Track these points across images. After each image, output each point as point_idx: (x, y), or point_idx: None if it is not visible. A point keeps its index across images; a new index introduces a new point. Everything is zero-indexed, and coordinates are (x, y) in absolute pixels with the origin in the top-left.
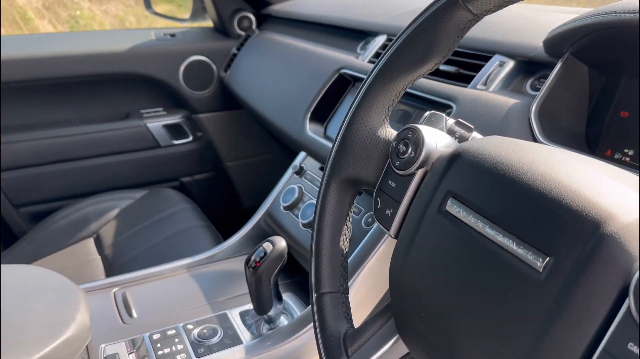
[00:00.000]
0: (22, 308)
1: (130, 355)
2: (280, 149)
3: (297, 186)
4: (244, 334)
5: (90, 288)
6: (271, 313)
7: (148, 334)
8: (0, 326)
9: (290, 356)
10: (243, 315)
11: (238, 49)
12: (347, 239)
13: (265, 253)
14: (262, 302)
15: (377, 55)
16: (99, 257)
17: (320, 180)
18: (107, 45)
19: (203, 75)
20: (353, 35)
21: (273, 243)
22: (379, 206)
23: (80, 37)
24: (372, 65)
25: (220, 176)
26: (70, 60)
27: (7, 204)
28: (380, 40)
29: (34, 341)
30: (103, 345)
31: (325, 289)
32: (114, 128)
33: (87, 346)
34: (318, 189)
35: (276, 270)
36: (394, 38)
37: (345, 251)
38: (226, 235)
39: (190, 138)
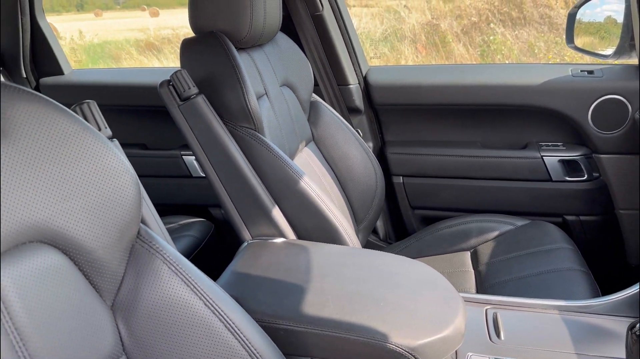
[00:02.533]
0: (413, 297)
1: None
2: None
3: None
4: None
5: (466, 298)
6: None
7: None
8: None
9: None
10: None
11: None
12: None
13: None
14: None
15: None
16: (472, 271)
17: None
18: (521, 77)
19: (615, 115)
20: None
21: None
22: None
23: (495, 69)
24: None
25: (609, 222)
26: (484, 89)
27: (406, 204)
28: None
29: (419, 329)
30: (470, 354)
31: None
32: (510, 156)
33: (456, 350)
34: None
35: None
36: None
37: None
38: (604, 287)
39: (585, 177)
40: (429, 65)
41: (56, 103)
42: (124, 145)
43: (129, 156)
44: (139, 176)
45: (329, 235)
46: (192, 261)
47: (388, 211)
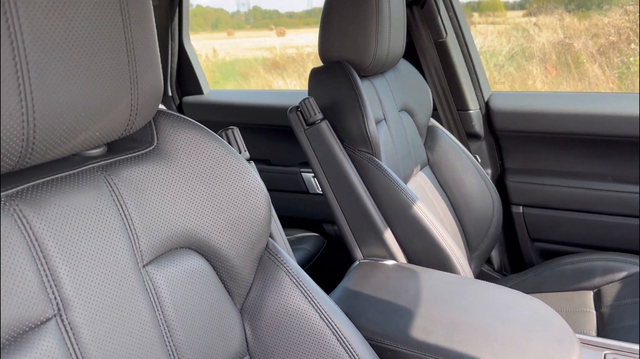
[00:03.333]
0: (525, 334)
1: None
2: None
3: None
4: None
5: (583, 340)
6: None
7: None
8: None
9: None
10: None
11: None
12: None
13: None
14: None
15: None
16: (594, 312)
17: None
18: None
19: None
20: None
21: None
22: None
23: (630, 98)
24: None
25: None
26: (617, 119)
27: (525, 235)
28: None
29: None
30: None
31: None
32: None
33: None
34: None
35: None
36: None
37: None
38: None
39: None
40: (554, 92)
41: (208, 130)
42: (250, 160)
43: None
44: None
45: (439, 261)
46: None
47: (505, 242)
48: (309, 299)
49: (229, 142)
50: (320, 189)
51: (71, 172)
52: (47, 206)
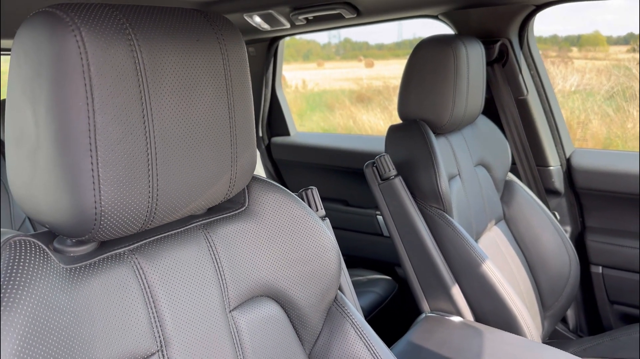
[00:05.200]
0: None
1: None
2: None
3: None
4: None
5: None
6: None
7: None
8: None
9: None
10: None
11: None
12: None
13: None
14: None
15: None
16: None
17: None
18: None
19: None
20: None
21: None
22: None
23: None
24: None
25: None
26: None
27: (604, 297)
28: None
29: None
30: None
31: None
32: None
33: None
34: None
35: None
36: None
37: None
38: None
39: None
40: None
41: (290, 193)
42: (329, 199)
43: (332, 210)
44: (339, 228)
45: (506, 321)
46: (374, 317)
47: (582, 302)
48: (371, 351)
49: (308, 201)
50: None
51: (178, 230)
52: (159, 259)
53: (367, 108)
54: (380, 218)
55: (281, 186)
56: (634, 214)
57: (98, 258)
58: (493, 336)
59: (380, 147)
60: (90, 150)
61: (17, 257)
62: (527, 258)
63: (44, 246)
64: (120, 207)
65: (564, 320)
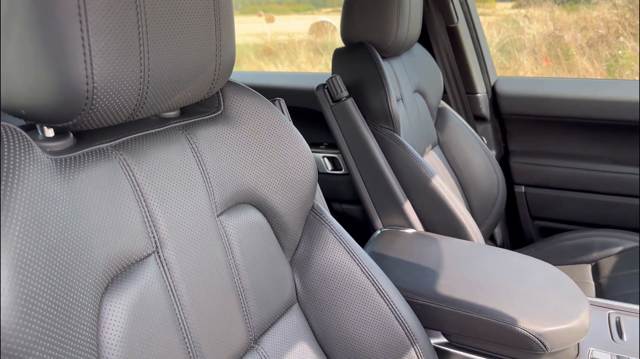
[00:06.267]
0: (540, 291)
1: None
2: None
3: None
4: None
5: (590, 301)
6: None
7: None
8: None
9: None
10: None
11: None
12: None
13: None
14: None
15: None
16: (592, 283)
17: None
18: None
19: None
20: None
21: None
22: None
23: (629, 85)
24: None
25: None
26: (617, 105)
27: (526, 213)
28: None
29: (546, 317)
30: (592, 349)
31: None
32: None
33: (579, 343)
34: None
35: None
36: None
37: None
38: None
39: None
40: (558, 78)
41: (265, 99)
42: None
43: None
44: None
45: (455, 231)
46: None
47: (507, 219)
48: (351, 255)
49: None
50: (329, 168)
51: (158, 130)
52: (144, 157)
53: (274, 62)
54: (315, 155)
55: (256, 92)
56: (552, 135)
57: (81, 151)
58: (448, 242)
59: (306, 83)
60: (80, 14)
61: (5, 144)
62: (460, 180)
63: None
64: (113, 84)
65: (492, 238)
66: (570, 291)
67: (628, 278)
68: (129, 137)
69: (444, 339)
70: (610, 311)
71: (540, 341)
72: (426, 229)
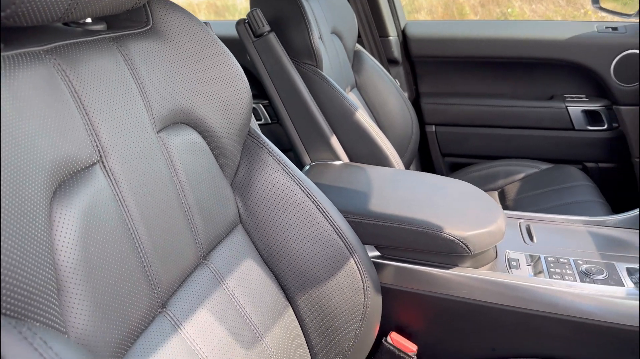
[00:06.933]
0: (461, 203)
1: (528, 267)
2: None
3: None
4: (627, 282)
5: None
6: None
7: (544, 255)
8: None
9: None
10: (629, 271)
11: None
12: None
13: None
14: None
15: None
16: (500, 206)
17: None
18: (549, 33)
19: (635, 69)
20: None
21: None
22: None
23: (526, 25)
24: None
25: (625, 169)
26: (514, 43)
27: (437, 151)
28: None
29: (468, 224)
30: (508, 251)
31: None
32: (537, 106)
33: (496, 247)
34: None
35: None
36: None
37: None
38: None
39: (605, 127)
40: (464, 20)
41: (194, 16)
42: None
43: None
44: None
45: (379, 161)
46: None
47: (419, 158)
48: (290, 175)
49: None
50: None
51: (89, 39)
52: (79, 65)
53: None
54: None
55: (183, 8)
56: (458, 76)
57: (13, 52)
58: (374, 169)
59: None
60: None
61: None
62: (378, 121)
63: None
64: None
65: None
66: (486, 202)
67: (531, 199)
68: (61, 43)
69: (378, 253)
70: (521, 220)
71: (464, 244)
72: (352, 161)
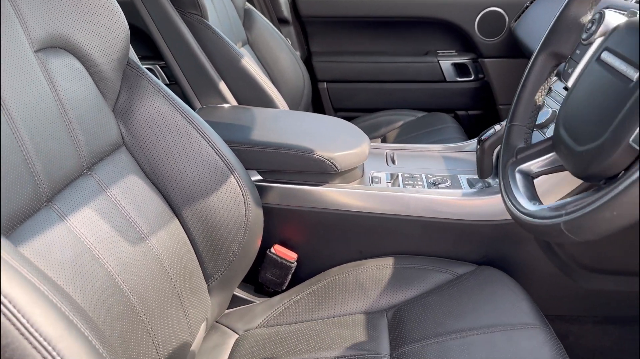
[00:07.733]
0: (333, 133)
1: (388, 184)
2: None
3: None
4: (466, 187)
5: (373, 146)
6: (490, 180)
7: (401, 173)
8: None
9: (498, 205)
10: (470, 180)
11: (531, 2)
12: (542, 96)
13: (494, 131)
14: (483, 168)
15: None
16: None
17: None
18: None
19: (495, 25)
20: None
21: (502, 125)
22: (565, 68)
23: None
24: None
25: (491, 115)
26: (393, 3)
27: (329, 106)
28: None
29: (336, 146)
30: (372, 171)
31: (516, 122)
32: (414, 61)
33: (363, 168)
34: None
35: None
36: None
37: (538, 103)
38: None
39: (472, 77)
40: None
41: None
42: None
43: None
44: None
45: (266, 104)
46: None
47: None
48: (171, 102)
49: None
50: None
51: None
52: None
53: None
54: None
55: None
56: (346, 35)
57: None
58: (260, 109)
59: None
60: None
61: None
62: (271, 77)
63: None
64: None
65: None
66: (354, 132)
67: (407, 140)
68: None
69: (260, 177)
70: (388, 150)
71: (332, 162)
72: (240, 104)
